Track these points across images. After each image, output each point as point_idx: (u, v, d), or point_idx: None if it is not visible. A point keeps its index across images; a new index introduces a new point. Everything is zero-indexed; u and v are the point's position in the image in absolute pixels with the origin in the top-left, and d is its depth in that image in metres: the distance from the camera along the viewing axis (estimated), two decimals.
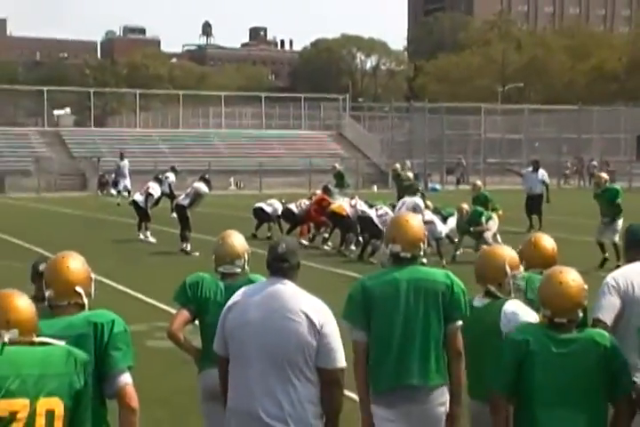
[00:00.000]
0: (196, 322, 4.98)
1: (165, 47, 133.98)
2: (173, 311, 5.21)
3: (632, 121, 47.77)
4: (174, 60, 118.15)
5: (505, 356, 3.96)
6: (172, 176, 23.24)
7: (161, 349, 8.69)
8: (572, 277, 3.98)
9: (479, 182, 17.78)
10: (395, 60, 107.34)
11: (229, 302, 4.14)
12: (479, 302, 4.52)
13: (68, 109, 65.44)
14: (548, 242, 5.07)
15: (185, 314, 4.90)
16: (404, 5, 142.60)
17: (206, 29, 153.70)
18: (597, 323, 4.51)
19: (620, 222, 14.10)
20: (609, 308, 4.62)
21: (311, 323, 3.91)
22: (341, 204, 16.75)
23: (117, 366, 3.66)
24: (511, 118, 51.49)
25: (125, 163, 33.92)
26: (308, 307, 3.95)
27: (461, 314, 4.40)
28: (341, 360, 3.97)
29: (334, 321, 3.99)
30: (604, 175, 15.37)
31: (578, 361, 3.90)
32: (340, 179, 26.16)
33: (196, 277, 4.96)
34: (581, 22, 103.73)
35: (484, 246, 4.78)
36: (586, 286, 4.01)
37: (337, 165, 28.21)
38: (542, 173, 21.17)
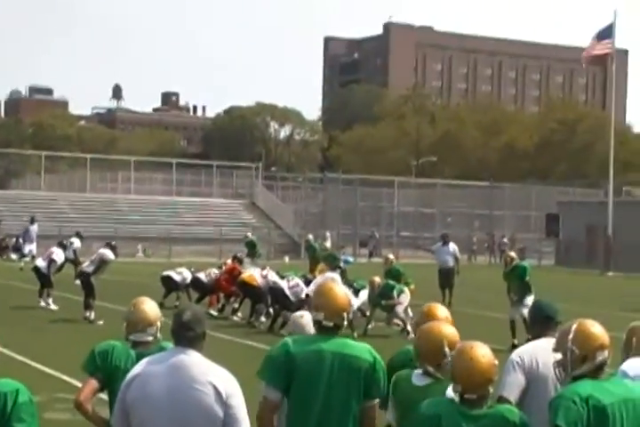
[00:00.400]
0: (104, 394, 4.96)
1: (73, 109, 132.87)
2: (74, 382, 5.19)
3: (542, 199, 49.33)
4: (83, 122, 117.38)
5: None
6: (76, 242, 22.93)
7: (60, 421, 8.54)
8: (482, 353, 4.03)
9: (391, 256, 18.09)
10: (309, 129, 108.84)
11: (130, 375, 4.07)
12: (420, 380, 4.56)
13: None
14: (441, 311, 5.05)
15: (93, 383, 4.83)
16: (320, 76, 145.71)
17: (117, 92, 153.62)
18: (502, 401, 4.59)
19: (531, 299, 14.29)
20: (514, 385, 4.69)
21: (218, 393, 3.88)
22: (252, 274, 16.78)
23: None
24: (424, 192, 52.55)
25: (35, 227, 33.47)
26: (214, 377, 3.92)
27: (379, 392, 4.47)
28: None
29: (241, 392, 3.98)
30: (512, 254, 15.82)
31: None
32: (251, 248, 26.22)
33: (105, 345, 4.94)
34: (493, 99, 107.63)
35: (422, 325, 4.76)
36: (496, 362, 4.10)
37: (249, 234, 28.36)
38: (453, 246, 21.64)
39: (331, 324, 4.51)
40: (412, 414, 4.15)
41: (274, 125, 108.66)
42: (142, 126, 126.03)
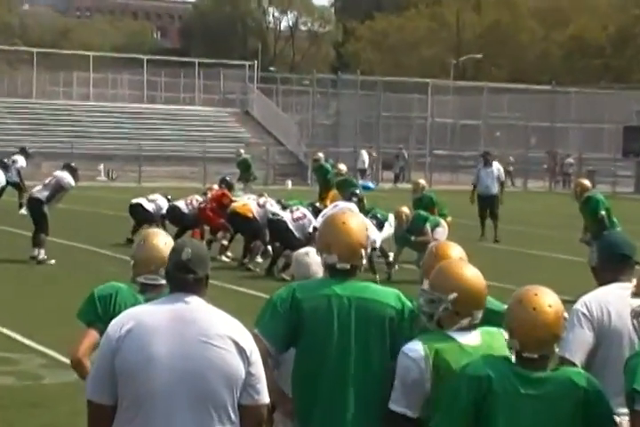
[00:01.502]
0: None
1: None
2: (17, 337, 5.17)
3: (618, 107, 49.00)
4: (26, 6, 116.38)
5: (459, 395, 4.01)
6: (21, 160, 22.93)
7: (2, 387, 8.62)
8: (548, 301, 4.03)
9: (422, 181, 18.04)
10: (319, 18, 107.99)
11: (118, 329, 3.98)
12: (465, 337, 4.39)
13: None
14: (455, 251, 4.94)
15: (93, 335, 4.94)
16: None
17: None
18: (565, 363, 4.59)
19: None
20: (579, 343, 4.74)
21: (239, 349, 3.92)
22: (246, 202, 16.80)
23: None
24: (466, 99, 52.28)
25: None
26: (231, 329, 3.96)
27: None
28: (267, 394, 4.02)
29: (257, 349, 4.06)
30: (585, 182, 15.89)
31: (551, 406, 3.97)
32: (245, 170, 26.25)
33: (108, 287, 5.07)
34: None
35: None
36: (565, 314, 4.11)
37: (242, 151, 28.30)
38: (497, 167, 22.12)
39: (347, 266, 4.55)
40: (450, 378, 4.16)
41: (273, 12, 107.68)
42: (103, 13, 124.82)
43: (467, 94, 52.91)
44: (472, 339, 4.29)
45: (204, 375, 3.90)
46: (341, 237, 4.57)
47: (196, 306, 3.99)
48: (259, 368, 3.98)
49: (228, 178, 18.98)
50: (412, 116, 50.98)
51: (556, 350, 4.10)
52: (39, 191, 16.67)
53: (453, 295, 4.25)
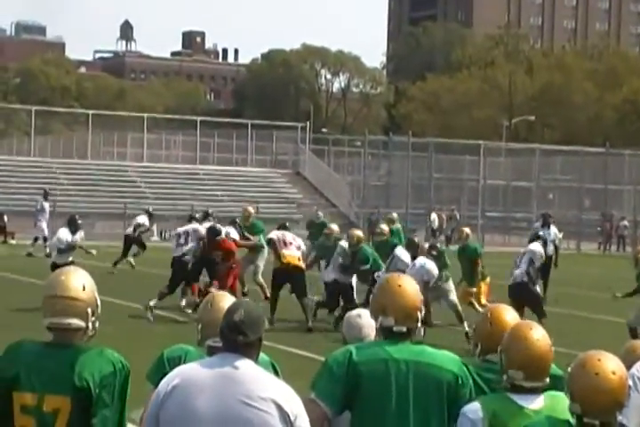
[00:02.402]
0: None
1: (72, 53, 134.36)
2: None
3: None
4: (83, 69, 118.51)
5: None
6: (141, 218, 25.22)
7: None
8: (612, 368, 4.03)
9: (467, 229, 17.84)
10: (371, 80, 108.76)
11: (164, 385, 4.11)
12: (526, 400, 4.42)
13: None
14: (510, 316, 4.97)
15: None
16: (384, 11, 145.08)
17: (126, 31, 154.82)
18: None
19: None
20: (634, 409, 4.66)
21: (282, 413, 3.94)
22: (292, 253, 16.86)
23: None
24: (519, 161, 52.22)
25: (47, 204, 33.62)
26: (275, 392, 3.98)
27: None
28: None
29: (306, 414, 4.06)
30: None
31: None
32: (319, 231, 26.16)
33: (177, 350, 5.10)
34: (611, 41, 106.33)
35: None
36: (630, 381, 4.13)
37: (320, 214, 28.29)
38: (554, 230, 22.29)
39: (403, 328, 4.60)
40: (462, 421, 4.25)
41: (325, 75, 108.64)
42: (158, 75, 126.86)
43: (519, 156, 52.83)
44: (534, 402, 4.28)
45: None
46: (398, 299, 4.61)
47: (243, 368, 4.02)
48: None
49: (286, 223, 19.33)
50: (464, 177, 50.93)
51: (619, 418, 4.06)
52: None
53: (520, 374, 4.25)
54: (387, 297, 4.65)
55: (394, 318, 4.58)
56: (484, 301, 16.34)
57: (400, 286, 4.66)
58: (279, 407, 3.94)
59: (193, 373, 4.09)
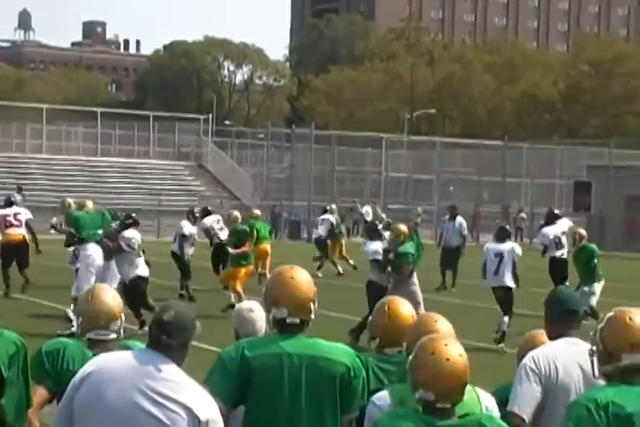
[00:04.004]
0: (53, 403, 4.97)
1: None
2: None
3: (569, 162, 49.51)
4: None
5: None
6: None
7: None
8: (458, 351, 4.08)
9: (583, 231, 17.04)
10: (274, 72, 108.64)
11: (80, 373, 4.10)
12: None
13: None
14: (405, 309, 5.06)
15: (41, 393, 4.91)
16: (287, 3, 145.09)
17: (25, 20, 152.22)
18: (513, 418, 4.67)
19: (599, 287, 16.14)
20: (527, 398, 4.78)
21: (192, 417, 3.94)
22: None
23: None
24: (420, 153, 52.59)
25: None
26: (189, 397, 3.96)
27: (360, 404, 4.56)
28: None
29: (222, 421, 4.06)
30: (582, 231, 16.77)
31: None
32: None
33: (55, 343, 5.03)
34: (509, 35, 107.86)
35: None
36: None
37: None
38: (460, 221, 23.32)
39: (297, 320, 4.58)
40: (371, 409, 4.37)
41: (228, 66, 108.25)
42: (58, 66, 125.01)
43: (420, 148, 53.27)
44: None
45: None
46: (291, 291, 4.57)
47: (161, 367, 4.00)
48: None
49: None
50: (367, 170, 51.18)
51: (465, 397, 4.11)
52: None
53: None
54: (280, 289, 4.60)
55: (287, 310, 4.55)
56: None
57: (293, 277, 4.63)
58: (189, 411, 3.94)
59: (110, 362, 4.09)
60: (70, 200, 17.62)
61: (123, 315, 5.08)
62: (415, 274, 14.12)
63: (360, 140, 50.80)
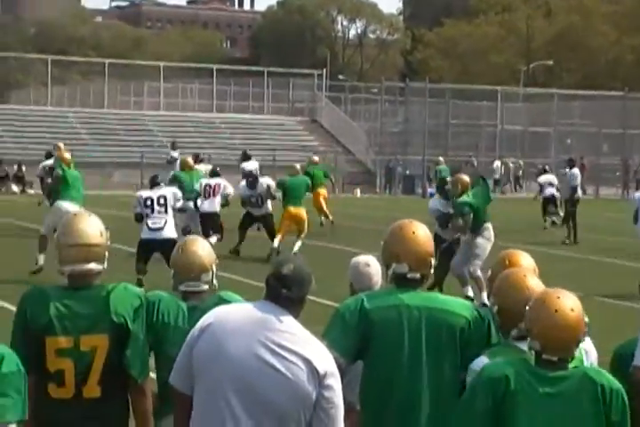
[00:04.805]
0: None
1: (87, 2, 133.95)
2: None
3: None
4: (99, 18, 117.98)
5: (477, 397, 4.04)
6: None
7: None
8: (570, 305, 4.05)
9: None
10: (387, 26, 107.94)
11: (201, 323, 4.13)
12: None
13: None
14: (525, 261, 4.97)
15: None
16: None
17: None
18: (638, 372, 4.53)
19: None
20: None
21: (312, 370, 3.94)
22: None
23: (2, 419, 3.62)
24: (537, 106, 51.95)
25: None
26: (308, 349, 3.97)
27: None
28: (341, 423, 4.01)
29: (338, 375, 4.06)
30: None
31: (569, 403, 4.01)
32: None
33: (151, 296, 5.03)
34: None
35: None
36: (586, 318, 4.10)
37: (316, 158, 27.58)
38: (572, 172, 23.40)
39: (417, 275, 4.60)
40: (472, 377, 4.27)
41: (342, 21, 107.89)
42: (174, 24, 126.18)
43: (537, 101, 52.53)
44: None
45: (271, 389, 3.93)
46: (412, 246, 4.60)
47: (280, 318, 4.01)
48: (335, 394, 3.98)
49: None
50: (482, 123, 50.71)
51: (576, 353, 4.10)
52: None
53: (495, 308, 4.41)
54: (401, 244, 4.62)
55: (408, 265, 4.56)
56: None
57: (414, 232, 4.64)
58: (308, 363, 3.94)
59: (230, 314, 4.11)
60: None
61: (214, 266, 5.10)
62: (489, 226, 13.44)
63: (475, 94, 50.39)
